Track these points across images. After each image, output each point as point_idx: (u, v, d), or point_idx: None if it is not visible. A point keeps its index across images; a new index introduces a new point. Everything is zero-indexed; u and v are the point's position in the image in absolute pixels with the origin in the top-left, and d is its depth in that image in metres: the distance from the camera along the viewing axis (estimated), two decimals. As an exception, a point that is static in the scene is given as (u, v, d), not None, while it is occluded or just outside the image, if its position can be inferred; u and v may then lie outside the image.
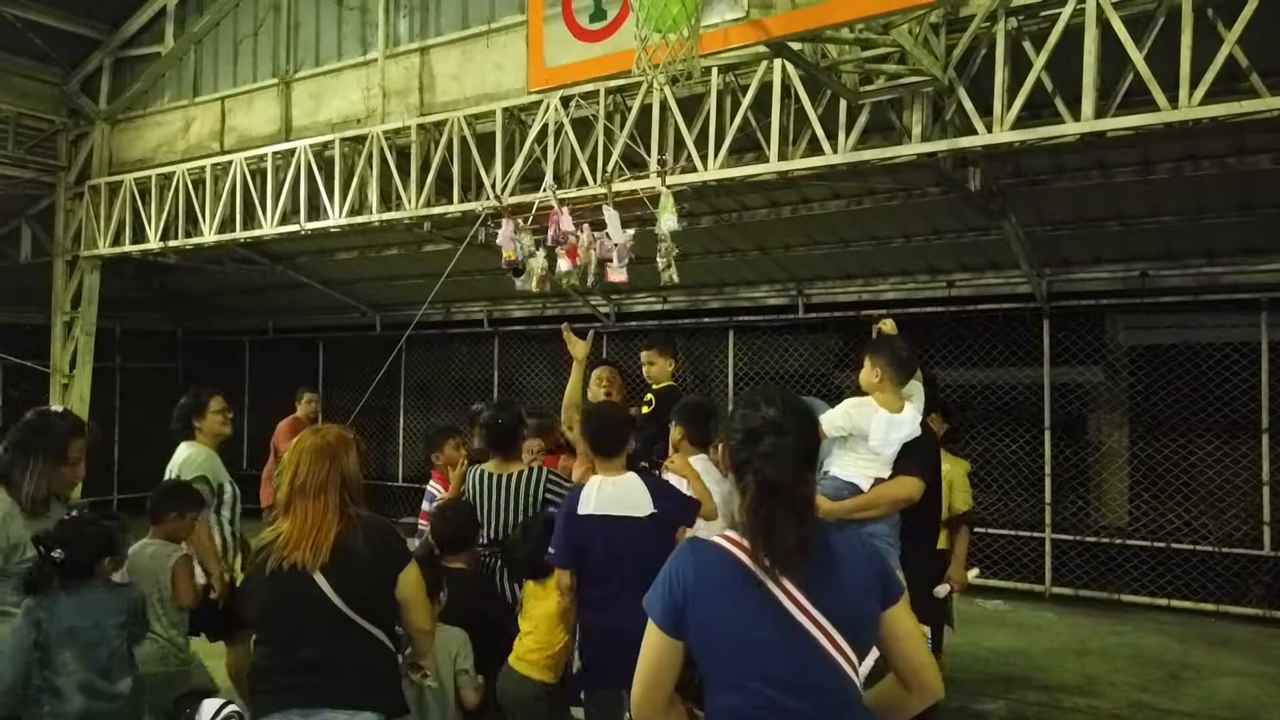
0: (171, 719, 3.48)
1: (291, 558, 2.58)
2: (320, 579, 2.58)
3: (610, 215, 5.20)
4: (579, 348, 4.59)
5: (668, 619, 1.91)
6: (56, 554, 3.00)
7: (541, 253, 5.42)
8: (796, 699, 1.84)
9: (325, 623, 2.60)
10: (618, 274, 5.23)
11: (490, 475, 4.04)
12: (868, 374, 3.55)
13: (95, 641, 3.02)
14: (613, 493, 3.37)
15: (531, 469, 4.05)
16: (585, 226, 5.28)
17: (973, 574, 4.93)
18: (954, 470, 5.03)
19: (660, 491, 3.44)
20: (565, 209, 5.30)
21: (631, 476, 3.44)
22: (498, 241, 5.52)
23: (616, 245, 5.16)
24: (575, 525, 3.37)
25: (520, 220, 5.49)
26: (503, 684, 3.57)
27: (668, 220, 5.02)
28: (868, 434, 3.43)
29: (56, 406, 3.92)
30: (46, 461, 3.35)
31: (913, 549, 3.56)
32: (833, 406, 3.59)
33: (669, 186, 5.27)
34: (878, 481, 3.46)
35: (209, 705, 3.12)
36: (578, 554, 3.38)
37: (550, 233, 5.28)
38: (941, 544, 4.81)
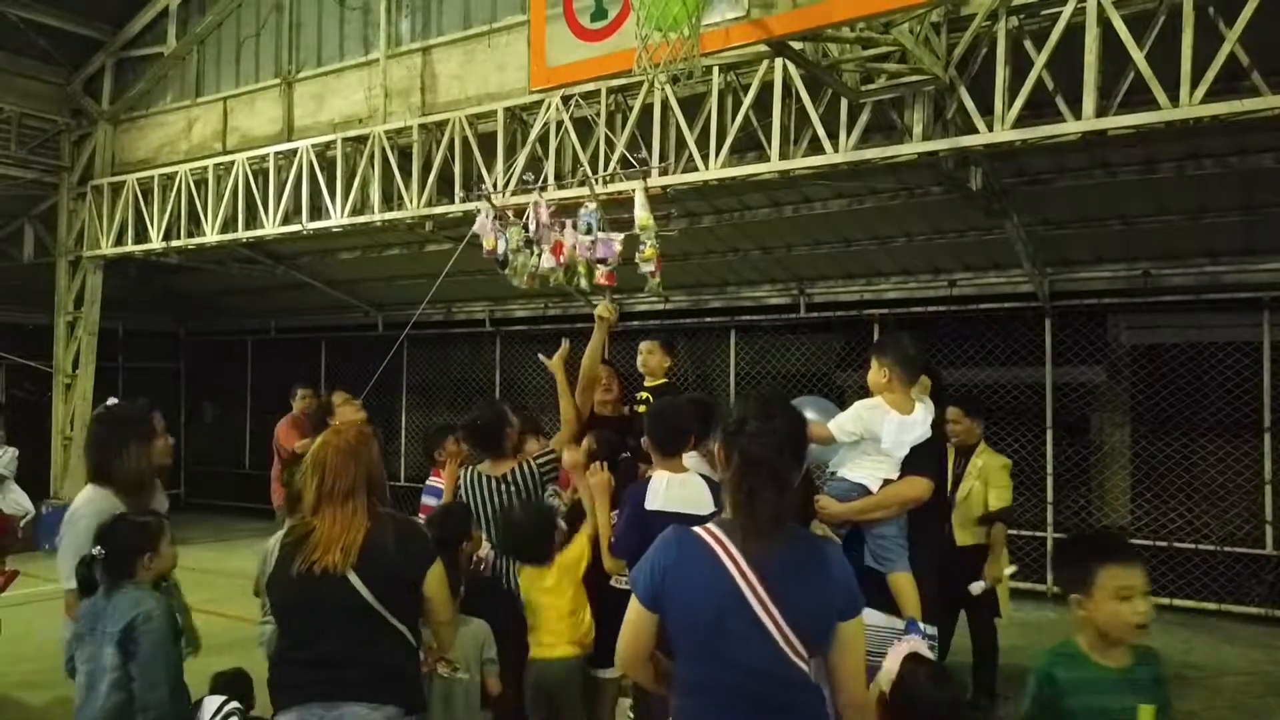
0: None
1: (323, 562, 2.59)
2: (354, 577, 2.60)
3: (588, 213, 5.17)
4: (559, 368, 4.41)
5: (648, 596, 2.15)
6: (97, 550, 3.01)
7: (533, 250, 5.40)
8: (752, 682, 2.06)
9: (350, 619, 2.61)
10: (605, 276, 5.23)
11: (485, 476, 4.03)
12: (875, 374, 3.46)
13: (90, 644, 2.99)
14: (680, 491, 3.41)
15: (523, 465, 4.03)
16: (568, 225, 5.26)
17: (1009, 570, 4.91)
18: (990, 464, 4.98)
19: (717, 490, 3.46)
20: (544, 200, 5.27)
21: (692, 474, 3.47)
22: (474, 229, 5.49)
23: (603, 245, 5.15)
24: (644, 520, 3.37)
25: (510, 214, 5.46)
26: (544, 676, 3.66)
27: (639, 214, 4.99)
28: (880, 436, 3.38)
29: (112, 400, 3.96)
30: (138, 442, 3.43)
31: (918, 551, 3.51)
32: (837, 406, 3.56)
33: (649, 189, 5.24)
34: (886, 483, 3.42)
35: (210, 702, 3.11)
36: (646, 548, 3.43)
37: (526, 221, 5.25)
38: (978, 540, 4.87)
